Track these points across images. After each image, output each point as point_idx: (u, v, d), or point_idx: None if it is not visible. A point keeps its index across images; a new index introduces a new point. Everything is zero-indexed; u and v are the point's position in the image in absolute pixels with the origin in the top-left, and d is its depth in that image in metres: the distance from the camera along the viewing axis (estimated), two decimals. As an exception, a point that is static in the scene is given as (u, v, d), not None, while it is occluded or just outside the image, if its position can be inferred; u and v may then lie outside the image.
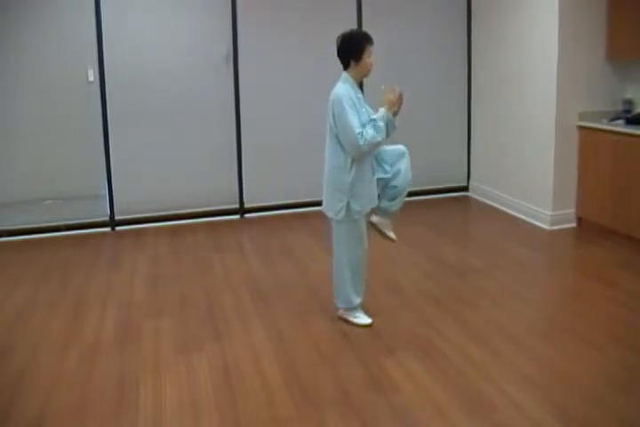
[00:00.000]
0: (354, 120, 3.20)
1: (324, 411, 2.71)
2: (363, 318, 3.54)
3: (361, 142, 3.19)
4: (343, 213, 3.36)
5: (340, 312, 3.60)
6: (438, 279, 4.21)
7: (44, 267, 4.59)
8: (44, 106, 5.22)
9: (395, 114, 3.39)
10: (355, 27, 5.75)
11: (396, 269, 4.39)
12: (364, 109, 3.33)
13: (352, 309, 3.55)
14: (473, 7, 6.14)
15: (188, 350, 3.28)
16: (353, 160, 3.30)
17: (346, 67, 3.35)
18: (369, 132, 3.21)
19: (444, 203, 6.24)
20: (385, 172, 3.46)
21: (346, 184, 3.33)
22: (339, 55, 3.35)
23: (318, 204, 3.63)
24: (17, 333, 3.54)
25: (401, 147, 3.49)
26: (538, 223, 5.32)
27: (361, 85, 3.64)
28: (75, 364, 3.16)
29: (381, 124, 3.27)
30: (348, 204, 3.35)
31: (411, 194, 6.01)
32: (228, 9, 5.49)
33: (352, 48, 3.29)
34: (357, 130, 3.19)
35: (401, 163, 3.46)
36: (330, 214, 3.44)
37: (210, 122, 5.65)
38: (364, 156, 3.30)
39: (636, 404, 2.71)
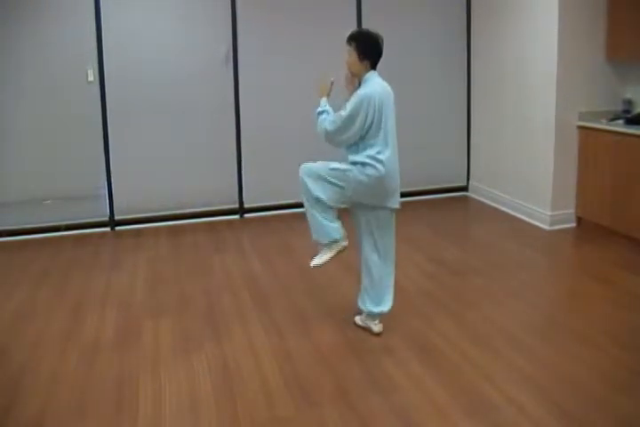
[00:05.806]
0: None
1: (324, 411, 2.71)
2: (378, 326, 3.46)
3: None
4: None
5: (361, 318, 3.52)
6: (438, 279, 4.21)
7: (43, 267, 4.59)
8: (44, 106, 5.22)
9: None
10: (354, 27, 5.77)
11: (396, 269, 4.37)
12: None
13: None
14: (473, 7, 6.14)
15: (188, 351, 3.28)
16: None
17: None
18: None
19: (444, 203, 6.23)
20: None
21: None
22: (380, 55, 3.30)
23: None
24: (17, 333, 3.54)
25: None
26: (537, 223, 5.32)
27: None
28: (75, 364, 3.17)
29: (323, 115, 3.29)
30: None
31: (411, 194, 6.14)
32: (228, 9, 5.49)
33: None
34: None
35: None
36: (398, 205, 3.38)
37: (210, 122, 5.65)
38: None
39: (635, 404, 2.71)
